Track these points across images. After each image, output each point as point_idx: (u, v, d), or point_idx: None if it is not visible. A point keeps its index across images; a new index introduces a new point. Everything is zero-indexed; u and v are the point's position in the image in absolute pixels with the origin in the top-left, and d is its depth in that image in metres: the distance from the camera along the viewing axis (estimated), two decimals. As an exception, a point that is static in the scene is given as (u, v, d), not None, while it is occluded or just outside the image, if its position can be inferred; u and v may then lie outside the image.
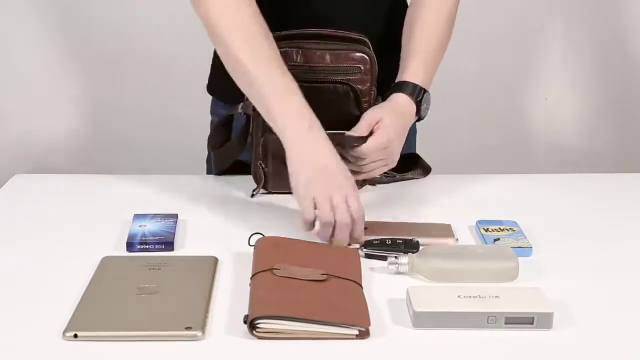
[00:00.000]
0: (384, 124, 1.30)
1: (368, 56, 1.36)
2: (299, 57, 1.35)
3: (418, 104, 1.36)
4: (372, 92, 1.37)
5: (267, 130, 1.34)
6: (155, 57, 2.62)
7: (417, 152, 1.64)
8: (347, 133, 1.30)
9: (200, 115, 1.67)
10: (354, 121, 1.34)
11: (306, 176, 1.22)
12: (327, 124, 1.27)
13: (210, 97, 1.62)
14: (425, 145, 1.69)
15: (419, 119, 1.40)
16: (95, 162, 2.67)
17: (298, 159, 1.23)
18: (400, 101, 1.35)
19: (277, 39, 1.33)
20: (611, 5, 2.68)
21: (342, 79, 1.35)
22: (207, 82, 1.60)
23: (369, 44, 1.37)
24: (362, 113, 1.35)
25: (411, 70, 1.37)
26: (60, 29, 2.64)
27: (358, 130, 1.30)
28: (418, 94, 1.36)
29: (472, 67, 2.70)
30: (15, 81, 2.66)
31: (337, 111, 1.35)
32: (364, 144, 1.29)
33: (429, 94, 1.38)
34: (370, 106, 1.37)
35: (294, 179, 1.22)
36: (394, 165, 1.36)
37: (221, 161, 1.49)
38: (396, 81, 1.37)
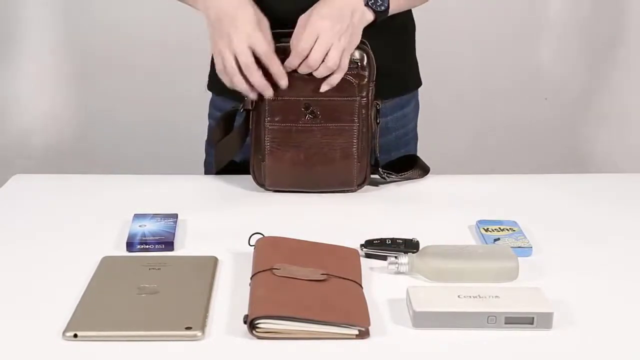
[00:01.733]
0: (310, 20, 1.32)
1: (366, 54, 1.37)
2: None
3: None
4: (370, 88, 1.38)
5: (265, 121, 1.38)
6: (155, 59, 2.63)
7: (417, 152, 1.65)
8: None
9: (198, 118, 1.68)
10: (353, 111, 1.37)
11: (211, 30, 1.36)
12: (327, 113, 1.37)
13: (208, 101, 1.62)
14: (425, 145, 1.69)
15: (376, 15, 1.38)
16: (95, 162, 2.67)
17: (207, 13, 1.38)
18: None
19: (280, 35, 1.36)
20: (612, 4, 2.69)
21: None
22: (207, 80, 1.60)
23: (368, 44, 1.38)
24: (360, 103, 1.37)
25: None
26: (60, 29, 2.64)
27: (292, 42, 1.34)
28: None
29: (472, 66, 2.70)
30: (15, 81, 2.67)
31: (336, 100, 1.37)
32: (297, 44, 1.32)
33: None
34: (368, 101, 1.38)
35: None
36: (344, 43, 1.33)
37: (221, 156, 1.49)
38: None
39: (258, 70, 1.33)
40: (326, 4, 1.35)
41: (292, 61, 1.33)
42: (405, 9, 1.50)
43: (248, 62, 1.33)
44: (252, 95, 1.36)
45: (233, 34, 1.33)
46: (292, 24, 1.35)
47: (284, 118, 1.38)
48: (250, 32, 1.33)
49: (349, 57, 1.35)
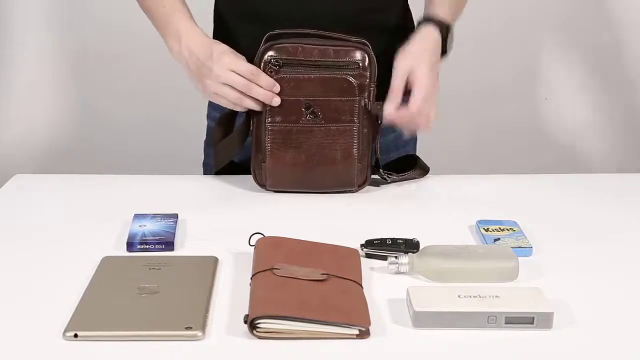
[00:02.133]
0: (418, 75, 1.36)
1: (367, 54, 1.37)
2: (298, 52, 1.36)
3: (444, 38, 1.43)
4: (372, 89, 1.38)
5: (265, 122, 1.38)
6: (154, 59, 2.62)
7: (416, 152, 1.65)
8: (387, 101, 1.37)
9: (198, 119, 1.67)
10: (353, 111, 1.37)
11: (193, 76, 1.41)
12: (328, 114, 1.37)
13: (206, 101, 1.62)
14: (425, 145, 1.69)
15: (444, 53, 1.44)
16: (95, 163, 2.67)
17: (182, 62, 1.43)
18: (428, 31, 1.42)
19: (280, 36, 1.36)
20: (612, 3, 2.68)
21: (341, 74, 1.36)
22: None
23: (369, 45, 1.38)
24: (361, 103, 1.37)
25: (436, 7, 1.46)
26: (59, 30, 2.64)
27: (394, 90, 1.36)
28: (442, 28, 1.43)
29: (472, 66, 2.70)
30: (16, 81, 2.67)
31: (336, 101, 1.37)
32: (411, 106, 1.35)
33: (452, 29, 1.45)
34: (369, 100, 1.38)
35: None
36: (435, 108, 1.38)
37: (221, 157, 1.49)
38: (423, 17, 1.45)
39: (257, 86, 1.35)
40: (428, 52, 1.40)
41: (390, 107, 1.36)
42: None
43: (243, 82, 1.35)
44: (277, 100, 1.36)
45: (214, 68, 1.36)
46: (293, 25, 1.37)
47: (285, 118, 1.38)
48: (227, 60, 1.36)
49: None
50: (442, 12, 1.45)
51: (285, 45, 1.36)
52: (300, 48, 1.36)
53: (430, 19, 1.44)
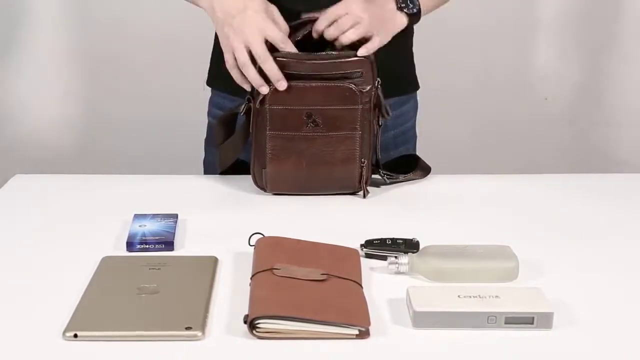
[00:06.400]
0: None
1: (370, 61, 1.35)
2: (303, 65, 1.34)
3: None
4: (373, 93, 1.37)
5: (266, 129, 1.37)
6: (153, 58, 2.63)
7: (416, 150, 1.65)
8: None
9: (198, 117, 1.67)
10: (355, 119, 1.36)
11: (219, 27, 1.35)
12: (329, 122, 1.35)
13: (207, 99, 1.62)
14: (425, 145, 1.69)
15: (410, 19, 1.43)
16: (95, 163, 2.67)
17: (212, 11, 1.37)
18: None
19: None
20: (611, 4, 2.69)
21: (343, 83, 1.35)
22: (206, 77, 1.60)
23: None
24: (362, 110, 1.36)
25: None
26: (60, 28, 2.64)
27: (328, 11, 1.36)
28: None
29: (472, 66, 2.70)
30: (15, 81, 2.67)
31: (338, 109, 1.35)
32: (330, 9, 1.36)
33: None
34: (370, 107, 1.37)
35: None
36: (366, 28, 1.35)
37: (226, 156, 1.48)
38: None
39: (272, 60, 1.31)
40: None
41: (319, 24, 1.35)
42: (432, 10, 1.52)
43: (260, 52, 1.31)
44: (265, 89, 1.33)
45: (244, 26, 1.32)
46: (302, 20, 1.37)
47: (286, 127, 1.36)
48: (261, 22, 1.32)
49: (381, 42, 1.37)
50: None
51: (289, 59, 1.33)
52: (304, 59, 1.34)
53: None
